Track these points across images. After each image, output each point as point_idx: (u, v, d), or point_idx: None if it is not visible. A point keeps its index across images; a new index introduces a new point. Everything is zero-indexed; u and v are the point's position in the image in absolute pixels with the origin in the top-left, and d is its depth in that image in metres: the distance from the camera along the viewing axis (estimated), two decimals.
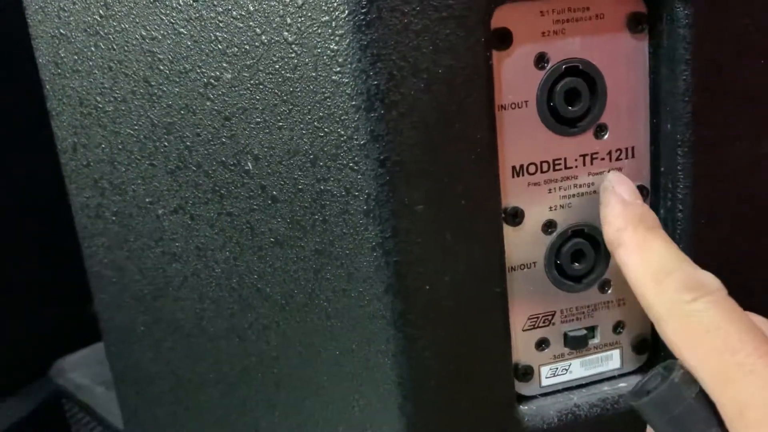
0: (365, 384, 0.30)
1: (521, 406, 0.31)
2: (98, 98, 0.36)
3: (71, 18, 0.35)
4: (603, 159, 0.30)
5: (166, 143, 0.34)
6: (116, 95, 0.35)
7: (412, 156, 0.26)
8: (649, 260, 0.27)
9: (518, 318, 0.31)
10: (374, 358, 0.29)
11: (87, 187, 0.39)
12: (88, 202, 0.39)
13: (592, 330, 0.32)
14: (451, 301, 0.28)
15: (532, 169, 0.29)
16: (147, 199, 0.36)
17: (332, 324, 0.30)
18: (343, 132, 0.26)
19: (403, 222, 0.27)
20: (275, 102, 0.28)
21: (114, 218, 0.38)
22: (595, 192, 0.30)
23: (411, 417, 0.29)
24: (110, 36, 0.34)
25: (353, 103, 0.26)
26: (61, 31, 0.36)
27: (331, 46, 0.26)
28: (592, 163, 0.30)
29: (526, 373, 0.31)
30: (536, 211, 0.30)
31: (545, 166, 0.30)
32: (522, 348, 0.31)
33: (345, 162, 0.27)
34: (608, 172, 0.30)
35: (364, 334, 0.29)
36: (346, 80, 0.26)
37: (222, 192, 0.32)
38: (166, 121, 0.33)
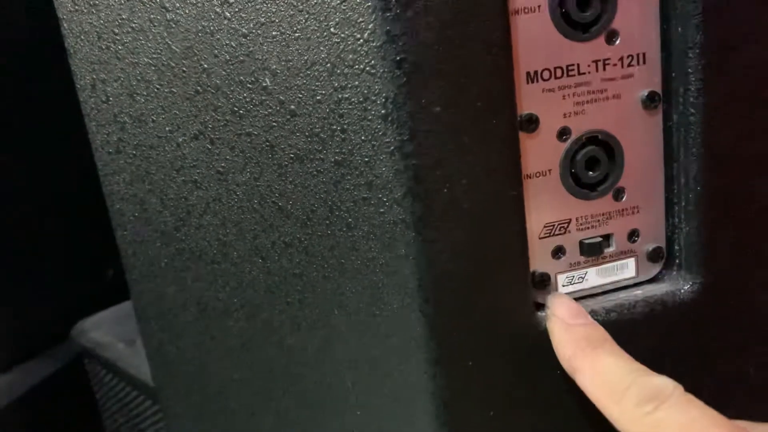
0: (387, 291, 0.31)
1: (538, 312, 0.32)
2: (116, 30, 0.36)
3: None
4: (615, 65, 0.31)
5: (184, 69, 0.34)
6: (134, 25, 0.35)
7: (428, 56, 0.27)
8: (603, 381, 0.28)
9: (535, 226, 0.32)
10: (394, 263, 0.30)
11: (107, 123, 0.40)
12: (108, 138, 0.40)
13: (607, 238, 0.33)
14: (469, 204, 0.29)
15: (546, 75, 0.30)
16: (167, 128, 0.36)
17: (353, 234, 0.31)
18: (359, 35, 0.27)
19: (421, 124, 0.27)
20: (291, 12, 0.29)
21: (134, 152, 0.39)
22: (608, 98, 0.31)
23: (432, 319, 0.30)
24: None
25: (369, 4, 0.26)
26: None
27: None
28: (604, 69, 0.31)
29: (543, 281, 0.32)
30: (551, 117, 0.30)
31: (559, 72, 0.30)
32: (539, 256, 0.32)
33: (362, 66, 0.27)
34: (552, 296, 0.32)
35: (384, 241, 0.30)
36: None
37: (241, 112, 0.33)
38: (184, 45, 0.34)
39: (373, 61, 0.27)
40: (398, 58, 0.27)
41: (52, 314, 0.80)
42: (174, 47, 0.34)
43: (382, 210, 0.29)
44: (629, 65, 0.31)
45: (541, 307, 0.32)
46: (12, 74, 0.72)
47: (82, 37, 0.38)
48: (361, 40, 0.27)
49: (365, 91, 0.28)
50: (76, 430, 0.81)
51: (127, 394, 0.70)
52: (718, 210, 0.32)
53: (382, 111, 0.28)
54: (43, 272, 0.79)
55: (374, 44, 0.27)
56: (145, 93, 0.37)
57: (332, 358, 0.34)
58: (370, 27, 0.27)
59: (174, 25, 0.34)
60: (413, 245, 0.29)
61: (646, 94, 0.31)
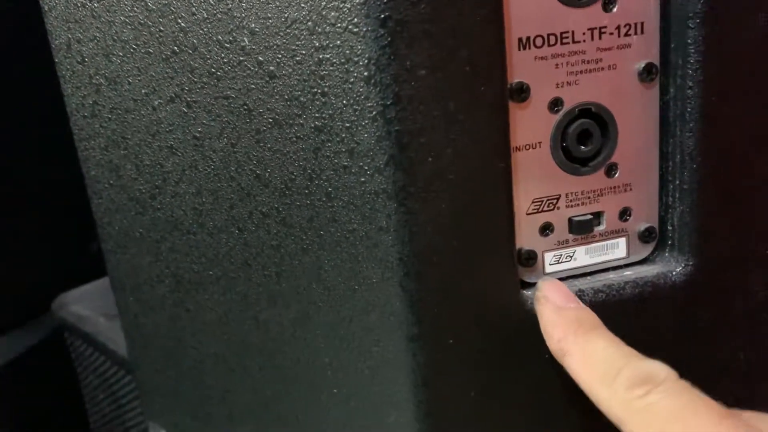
0: (366, 264, 0.29)
1: (524, 291, 0.31)
2: None
3: None
4: (612, 34, 0.29)
5: (161, 27, 0.33)
6: None
7: (414, 15, 0.25)
8: (594, 364, 0.27)
9: (522, 201, 0.30)
10: (376, 236, 0.28)
11: (82, 86, 0.38)
12: (83, 101, 0.38)
13: (597, 216, 0.32)
14: (454, 175, 0.27)
15: (539, 41, 0.28)
16: (143, 91, 0.35)
17: (333, 205, 0.29)
18: None
19: (405, 88, 0.26)
20: None
21: (110, 116, 0.37)
22: (603, 69, 0.29)
23: (413, 294, 0.28)
24: None
25: None
26: None
27: None
28: (600, 38, 0.29)
29: (530, 258, 0.31)
30: (542, 87, 0.29)
31: (552, 39, 0.29)
32: (525, 232, 0.31)
33: (344, 25, 0.26)
34: (541, 281, 0.30)
35: (365, 212, 0.28)
36: None
37: (218, 74, 0.31)
38: (161, 3, 0.32)
39: (356, 19, 0.26)
40: (382, 16, 0.25)
41: (33, 287, 0.79)
42: (150, 4, 0.32)
43: (363, 179, 0.28)
44: (626, 35, 0.30)
45: (527, 285, 0.31)
46: None
47: None
48: None
49: (347, 52, 0.26)
50: (55, 404, 0.79)
51: (108, 369, 0.69)
52: (713, 189, 0.31)
53: (365, 73, 0.26)
54: (24, 245, 0.77)
55: (357, 1, 0.25)
56: (121, 53, 0.35)
57: (309, 334, 0.33)
58: None
59: None
60: (394, 217, 0.28)
61: (642, 65, 0.30)
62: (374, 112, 0.26)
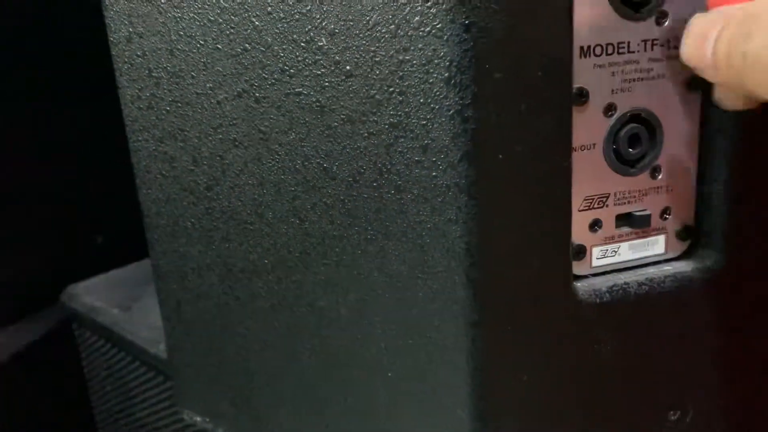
0: (432, 254, 0.31)
1: (575, 283, 0.33)
2: None
3: None
4: (662, 45, 0.32)
5: (233, 25, 0.34)
6: None
7: (495, 22, 0.27)
8: None
9: (575, 198, 0.32)
10: (444, 227, 0.30)
11: (140, 78, 0.39)
12: (140, 93, 0.40)
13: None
14: (522, 171, 0.30)
15: (598, 50, 0.31)
16: (208, 85, 0.36)
17: (402, 197, 0.31)
18: None
19: (482, 89, 0.28)
20: None
21: (168, 108, 0.39)
22: (653, 77, 0.32)
23: (477, 283, 0.30)
24: None
25: None
26: None
27: None
28: (652, 49, 0.32)
29: (580, 252, 0.33)
30: (599, 92, 0.31)
31: (610, 49, 0.31)
32: (577, 228, 0.33)
33: (428, 29, 0.28)
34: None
35: (435, 205, 0.30)
36: None
37: (291, 71, 0.33)
38: (235, 1, 0.34)
39: (440, 24, 0.27)
40: (467, 22, 0.27)
41: (38, 279, 0.79)
42: (223, 3, 0.34)
43: (434, 174, 0.30)
44: (675, 47, 0.32)
45: (577, 278, 0.33)
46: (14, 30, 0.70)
47: None
48: (429, 3, 0.27)
49: (429, 54, 0.28)
50: (59, 395, 0.80)
51: (119, 361, 0.69)
52: (748, 190, 0.33)
53: (446, 74, 0.28)
54: (29, 238, 0.77)
55: (443, 7, 0.27)
56: (186, 49, 0.36)
57: (367, 320, 0.35)
58: None
59: None
60: (465, 209, 0.30)
61: (688, 75, 0.32)
62: (452, 111, 0.28)
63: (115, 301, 0.71)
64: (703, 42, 0.28)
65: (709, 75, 0.29)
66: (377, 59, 0.30)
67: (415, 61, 0.29)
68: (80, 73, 0.74)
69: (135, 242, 0.77)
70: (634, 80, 0.32)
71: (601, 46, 0.31)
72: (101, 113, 0.78)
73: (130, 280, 0.77)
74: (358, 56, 0.30)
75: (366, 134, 0.31)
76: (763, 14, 0.26)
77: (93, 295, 0.73)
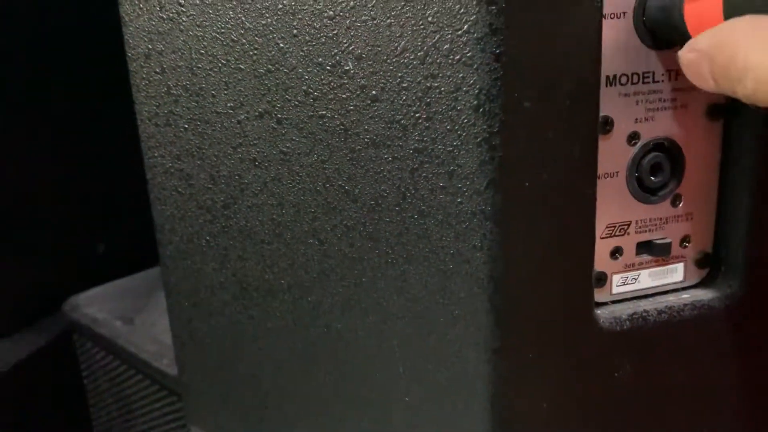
0: (455, 279, 0.31)
1: (596, 310, 0.33)
2: (181, 1, 0.36)
3: None
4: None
5: (256, 46, 0.34)
6: None
7: (525, 52, 0.27)
8: None
9: (598, 225, 0.32)
10: (468, 253, 0.30)
11: (158, 95, 0.39)
12: (158, 110, 0.40)
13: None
14: (548, 199, 0.30)
15: (623, 79, 0.31)
16: (229, 105, 0.36)
17: (425, 222, 0.31)
18: (458, 26, 0.27)
19: (511, 117, 0.28)
20: None
21: (186, 125, 0.39)
22: (676, 107, 0.32)
23: (500, 309, 0.30)
24: None
25: None
26: None
27: None
28: (676, 79, 0.32)
29: (600, 279, 0.33)
30: (624, 121, 0.31)
31: (635, 78, 0.31)
32: (598, 255, 0.33)
33: (458, 57, 0.28)
34: None
35: (459, 231, 0.30)
36: None
37: (315, 94, 0.33)
38: (259, 23, 0.34)
39: (470, 53, 0.28)
40: (498, 51, 0.27)
41: (39, 289, 0.78)
42: (247, 24, 0.34)
43: (460, 200, 0.30)
44: None
45: (598, 305, 0.33)
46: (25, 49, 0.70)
47: (141, 5, 0.38)
48: (460, 31, 0.27)
49: (458, 82, 0.28)
50: (58, 407, 0.79)
51: (121, 373, 0.69)
52: (765, 218, 0.33)
53: (474, 102, 0.28)
54: (30, 247, 0.77)
55: (474, 36, 0.27)
56: (207, 67, 0.36)
57: (385, 343, 0.35)
58: (472, 19, 0.27)
59: (250, 2, 0.33)
60: (489, 236, 0.29)
61: (711, 104, 0.33)
62: (479, 138, 0.28)
63: (118, 312, 0.70)
64: (702, 81, 0.28)
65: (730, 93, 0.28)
66: (404, 85, 0.30)
67: (443, 88, 0.29)
68: (86, 85, 0.74)
69: (137, 252, 0.76)
70: (657, 109, 0.32)
71: (627, 76, 0.31)
72: (105, 124, 0.78)
73: (132, 290, 0.76)
74: (385, 81, 0.30)
75: (390, 158, 0.31)
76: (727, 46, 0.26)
77: (95, 306, 0.72)
